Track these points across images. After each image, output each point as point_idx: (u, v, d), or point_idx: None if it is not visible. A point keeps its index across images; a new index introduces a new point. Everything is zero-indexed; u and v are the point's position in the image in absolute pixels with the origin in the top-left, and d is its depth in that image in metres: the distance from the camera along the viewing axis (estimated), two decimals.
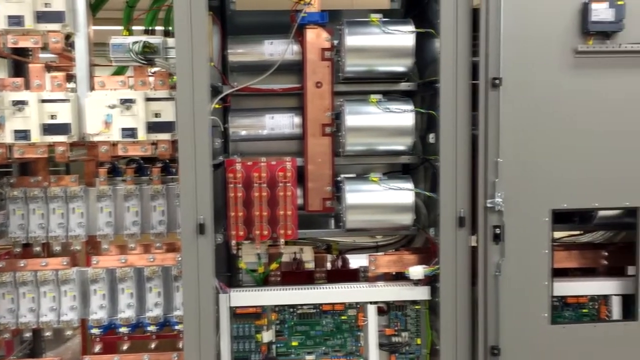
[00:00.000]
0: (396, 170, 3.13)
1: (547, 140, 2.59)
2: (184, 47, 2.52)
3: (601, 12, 2.53)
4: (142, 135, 2.76)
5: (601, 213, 2.73)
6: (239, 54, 2.88)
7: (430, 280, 2.74)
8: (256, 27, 2.99)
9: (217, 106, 2.75)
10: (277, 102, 3.05)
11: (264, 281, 2.89)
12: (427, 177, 3.00)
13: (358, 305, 2.75)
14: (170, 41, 2.72)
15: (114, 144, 2.78)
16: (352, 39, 2.65)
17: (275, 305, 2.73)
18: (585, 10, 2.53)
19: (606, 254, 2.85)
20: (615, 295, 2.76)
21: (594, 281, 2.80)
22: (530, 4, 2.54)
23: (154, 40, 2.72)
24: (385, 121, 2.71)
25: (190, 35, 2.52)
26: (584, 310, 2.79)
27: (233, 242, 2.66)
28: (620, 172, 2.62)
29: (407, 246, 3.13)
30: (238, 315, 2.70)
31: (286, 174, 2.68)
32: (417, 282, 2.74)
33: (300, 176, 2.82)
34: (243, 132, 2.93)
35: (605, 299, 2.78)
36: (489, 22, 2.53)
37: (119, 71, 3.11)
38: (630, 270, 2.78)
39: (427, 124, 2.91)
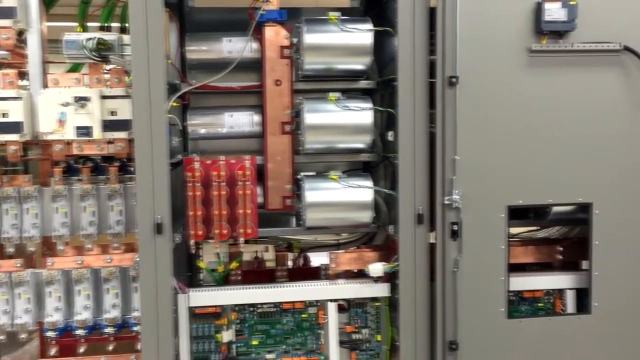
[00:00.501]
0: (357, 168, 3.14)
1: (503, 137, 2.63)
2: (140, 44, 2.48)
3: (554, 12, 2.58)
4: (97, 133, 2.71)
5: (555, 209, 2.79)
6: (197, 51, 2.85)
7: (390, 277, 2.76)
8: (215, 25, 2.96)
9: (174, 104, 2.72)
10: (237, 100, 3.03)
11: (224, 281, 2.87)
12: (387, 175, 3.02)
13: (318, 303, 2.76)
14: (126, 38, 2.68)
15: (69, 143, 2.73)
16: (311, 37, 2.65)
17: (235, 305, 2.71)
18: (538, 10, 2.58)
19: (561, 249, 2.91)
20: (569, 289, 2.82)
21: (549, 276, 2.86)
22: (485, 3, 2.58)
23: (108, 37, 2.68)
24: (344, 119, 2.72)
25: (146, 32, 2.48)
26: (540, 305, 2.84)
27: (192, 242, 2.63)
28: (574, 168, 2.67)
29: (368, 244, 3.15)
30: (197, 315, 2.67)
31: (245, 172, 2.66)
32: (377, 279, 2.76)
33: (260, 174, 2.81)
34: (202, 131, 2.90)
35: (560, 293, 2.84)
36: (445, 22, 2.56)
37: (74, 68, 3.05)
38: (585, 264, 2.85)
39: (387, 121, 2.92)
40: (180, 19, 2.96)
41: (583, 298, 2.78)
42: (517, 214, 2.82)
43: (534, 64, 2.63)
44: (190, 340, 2.66)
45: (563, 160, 2.67)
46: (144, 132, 2.52)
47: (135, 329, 2.83)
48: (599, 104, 2.66)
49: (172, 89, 2.71)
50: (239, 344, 2.73)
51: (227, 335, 2.69)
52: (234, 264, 2.82)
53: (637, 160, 2.70)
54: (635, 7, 2.65)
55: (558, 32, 2.60)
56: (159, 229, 2.52)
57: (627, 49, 2.63)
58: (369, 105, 2.73)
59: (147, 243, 2.53)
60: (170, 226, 2.55)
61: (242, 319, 2.73)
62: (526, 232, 3.17)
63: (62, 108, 2.66)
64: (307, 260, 3.16)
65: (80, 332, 2.83)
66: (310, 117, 2.69)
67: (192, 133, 2.90)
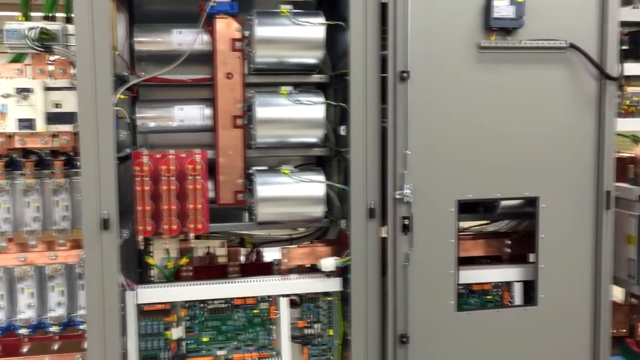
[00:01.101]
0: (311, 162, 3.13)
1: (453, 132, 2.66)
2: (85, 35, 2.42)
3: (502, 9, 2.62)
4: (41, 126, 2.61)
5: (504, 203, 2.85)
6: (146, 42, 2.78)
7: (342, 272, 2.77)
8: (165, 16, 2.90)
9: (122, 97, 2.65)
10: (188, 93, 2.97)
11: (175, 277, 2.82)
12: (340, 170, 3.02)
13: (270, 299, 2.74)
14: (71, 28, 2.59)
15: (10, 136, 2.63)
16: (262, 30, 2.62)
17: (185, 301, 2.67)
18: (488, 7, 2.62)
19: (509, 242, 2.97)
20: (517, 281, 2.88)
21: (498, 269, 2.91)
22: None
23: (51, 26, 2.59)
24: (296, 113, 2.70)
25: (91, 21, 2.42)
26: (489, 297, 2.89)
27: (140, 238, 2.58)
28: (521, 163, 2.73)
29: (322, 238, 3.15)
30: (146, 312, 2.62)
31: (196, 166, 2.62)
32: (329, 274, 2.76)
33: (212, 169, 2.77)
34: (152, 124, 2.83)
35: (508, 285, 2.90)
36: (396, 17, 2.57)
37: (18, 59, 2.93)
38: (532, 257, 2.91)
39: (340, 116, 2.92)
40: (129, 9, 2.89)
41: (530, 290, 2.85)
42: (467, 208, 2.87)
43: (483, 60, 2.67)
44: (138, 338, 2.61)
45: (511, 155, 2.72)
46: (90, 125, 2.45)
47: (81, 327, 2.75)
48: (546, 100, 2.72)
49: (120, 81, 2.64)
50: (189, 341, 2.69)
51: (176, 332, 2.64)
52: (184, 260, 2.78)
53: (582, 155, 2.77)
54: (580, 5, 2.71)
55: (506, 29, 2.65)
56: (105, 224, 2.46)
57: (572, 46, 2.69)
58: (321, 99, 2.72)
59: (92, 239, 2.47)
60: (117, 222, 2.49)
61: (193, 316, 2.69)
62: (477, 225, 3.22)
63: (2, 100, 2.56)
64: (260, 255, 3.13)
65: (23, 331, 2.73)
66: (262, 111, 2.66)
67: (141, 126, 2.83)
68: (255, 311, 2.74)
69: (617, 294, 3.13)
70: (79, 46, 2.42)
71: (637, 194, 2.81)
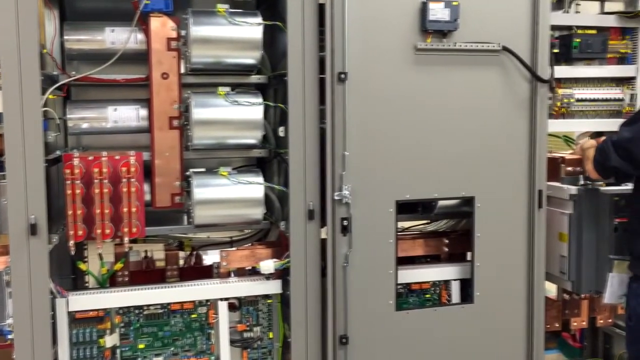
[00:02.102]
0: (252, 164, 3.10)
1: (391, 133, 2.68)
2: (10, 32, 2.32)
3: (438, 12, 2.65)
4: None
5: (442, 203, 2.89)
6: (78, 41, 2.68)
7: (282, 274, 2.75)
8: (97, 13, 2.81)
9: (52, 97, 2.55)
10: (122, 93, 2.89)
11: (111, 282, 2.74)
12: (281, 171, 3.00)
13: (209, 303, 2.69)
14: None
15: None
16: (198, 30, 2.57)
17: (120, 308, 2.60)
18: (424, 10, 2.65)
19: (447, 241, 3.02)
20: (454, 280, 2.93)
21: (436, 267, 2.95)
22: (374, 1, 2.61)
23: None
24: (234, 114, 2.66)
25: (16, 18, 2.32)
26: (427, 296, 2.93)
27: (71, 243, 2.49)
28: (457, 164, 2.77)
29: (263, 240, 3.12)
30: (78, 320, 2.53)
31: (130, 169, 2.55)
32: (268, 277, 2.74)
33: (149, 171, 2.70)
34: (84, 125, 2.73)
35: (446, 284, 2.94)
36: (334, 18, 2.56)
37: None
38: (470, 256, 2.97)
39: (281, 117, 2.90)
40: (59, 6, 2.79)
41: (467, 288, 2.90)
42: (406, 209, 2.90)
43: (420, 62, 2.70)
44: (70, 346, 2.52)
45: (448, 156, 2.76)
46: (16, 127, 2.35)
47: (10, 337, 2.63)
48: (481, 101, 2.78)
49: (50, 80, 2.55)
50: (124, 348, 2.62)
51: (111, 340, 2.56)
52: (118, 265, 2.70)
53: (516, 156, 2.84)
54: (513, 9, 2.77)
55: (442, 32, 2.68)
56: (33, 229, 2.36)
57: (505, 49, 2.75)
58: (260, 100, 2.70)
59: (19, 245, 2.37)
60: (46, 227, 2.39)
61: (127, 322, 2.61)
62: (417, 225, 3.26)
63: None
64: (199, 258, 3.07)
65: None
66: (198, 112, 2.61)
67: (72, 128, 2.72)
68: (193, 316, 2.68)
69: (552, 290, 3.23)
70: (4, 44, 2.31)
71: (569, 193, 2.89)
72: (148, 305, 2.63)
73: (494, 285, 2.85)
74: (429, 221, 3.21)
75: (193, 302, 2.67)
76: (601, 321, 3.28)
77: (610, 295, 2.64)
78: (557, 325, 3.20)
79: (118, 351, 2.61)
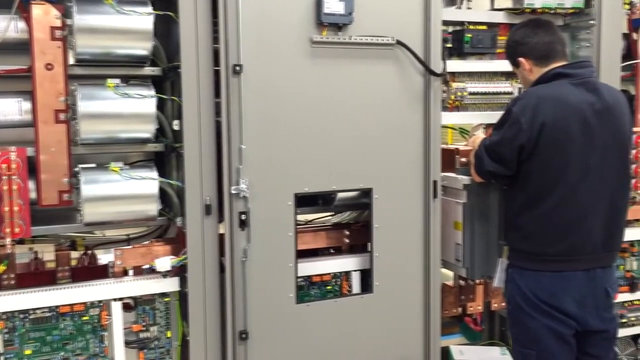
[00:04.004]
0: (150, 159, 3.00)
1: (287, 126, 2.68)
2: None
3: (333, 5, 2.66)
4: None
5: (341, 195, 2.91)
6: None
7: (180, 271, 2.68)
8: None
9: None
10: (4, 85, 2.70)
11: None
12: (180, 166, 2.91)
13: (101, 304, 2.59)
14: None
15: None
16: (82, 18, 2.45)
17: (2, 313, 2.44)
18: (319, 2, 2.65)
19: (348, 233, 3.05)
20: (354, 271, 2.97)
21: (336, 259, 2.98)
22: None
23: None
24: (124, 108, 2.56)
25: None
26: (329, 287, 2.95)
27: None
28: (355, 156, 2.81)
29: (162, 237, 3.03)
30: None
31: (11, 165, 2.41)
32: (165, 274, 2.66)
33: (34, 168, 2.55)
34: None
35: (346, 275, 2.98)
36: (227, 9, 2.52)
37: None
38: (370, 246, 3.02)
39: (178, 110, 2.82)
40: None
41: (368, 278, 2.95)
42: (307, 201, 2.91)
43: (316, 55, 2.70)
44: None
45: (345, 148, 2.79)
46: None
47: None
48: (377, 94, 2.82)
49: None
50: (8, 355, 2.47)
51: None
52: (1, 267, 2.54)
53: (411, 148, 2.91)
54: (406, 4, 2.83)
55: (337, 25, 2.69)
56: None
57: (399, 42, 2.80)
58: (152, 92, 2.61)
59: None
60: None
61: (12, 328, 2.47)
62: (322, 218, 3.27)
63: None
64: (94, 258, 2.94)
65: None
66: (86, 105, 2.49)
67: None
68: (84, 318, 2.57)
69: (450, 277, 3.34)
70: None
71: (462, 183, 2.99)
72: (35, 309, 2.50)
73: (392, 274, 2.91)
74: (333, 213, 3.24)
75: (84, 303, 2.56)
76: (495, 305, 3.43)
77: (499, 280, 2.75)
78: (455, 311, 3.32)
79: (2, 358, 2.46)
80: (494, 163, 2.59)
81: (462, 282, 3.29)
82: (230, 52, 2.54)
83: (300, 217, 3.03)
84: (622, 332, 3.56)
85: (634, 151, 3.25)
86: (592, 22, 3.23)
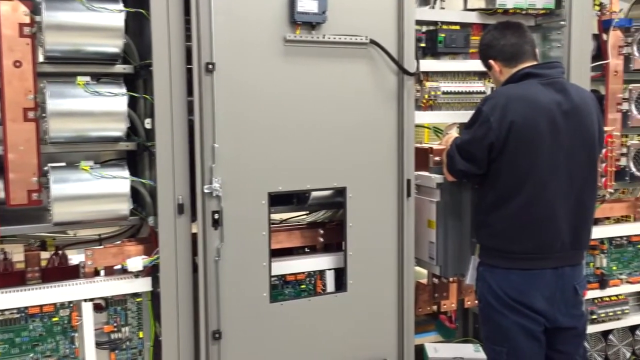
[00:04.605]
0: (122, 157, 2.97)
1: (261, 125, 2.67)
2: None
3: (306, 4, 2.66)
4: None
5: (315, 194, 2.91)
6: None
7: (152, 271, 2.66)
8: None
9: None
10: None
11: None
12: (152, 164, 2.89)
13: (72, 305, 2.56)
14: None
15: None
16: (51, 15, 2.41)
17: None
18: (292, 1, 2.64)
19: (322, 231, 3.05)
20: (328, 269, 2.97)
21: (310, 258, 2.97)
22: None
23: None
24: (94, 106, 2.52)
25: None
26: (303, 286, 2.95)
27: None
28: (329, 155, 2.81)
29: (135, 237, 3.00)
30: None
31: None
32: (137, 274, 2.64)
33: (2, 167, 2.51)
34: None
35: (321, 274, 2.98)
36: (199, 6, 2.50)
37: None
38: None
39: (151, 109, 2.79)
40: None
41: (342, 277, 2.95)
42: (282, 200, 2.90)
43: (289, 53, 2.70)
44: None
45: (319, 147, 2.79)
46: None
47: None
48: (351, 93, 2.82)
49: None
50: None
51: None
52: None
53: (385, 147, 2.92)
54: (380, 3, 2.83)
55: (311, 24, 2.69)
56: None
57: (372, 42, 2.81)
58: (123, 90, 2.58)
59: None
60: None
61: None
62: (297, 216, 3.27)
63: None
64: (65, 258, 2.90)
65: None
66: (55, 103, 2.46)
67: None
68: (54, 319, 2.53)
69: (424, 275, 3.37)
70: None
71: (436, 182, 3.01)
72: (3, 310, 2.45)
73: (366, 273, 2.92)
74: (307, 212, 3.24)
75: (54, 304, 2.52)
76: (469, 302, 3.47)
77: (472, 277, 2.79)
78: (429, 308, 3.35)
79: None
80: (465, 162, 2.62)
81: (435, 280, 3.31)
82: (202, 50, 2.52)
83: (275, 216, 3.02)
84: (592, 329, 3.63)
85: (603, 150, 3.31)
86: (562, 22, 3.29)
